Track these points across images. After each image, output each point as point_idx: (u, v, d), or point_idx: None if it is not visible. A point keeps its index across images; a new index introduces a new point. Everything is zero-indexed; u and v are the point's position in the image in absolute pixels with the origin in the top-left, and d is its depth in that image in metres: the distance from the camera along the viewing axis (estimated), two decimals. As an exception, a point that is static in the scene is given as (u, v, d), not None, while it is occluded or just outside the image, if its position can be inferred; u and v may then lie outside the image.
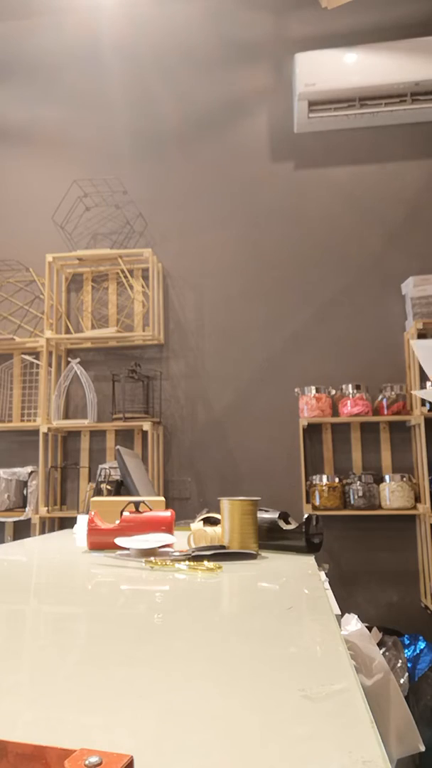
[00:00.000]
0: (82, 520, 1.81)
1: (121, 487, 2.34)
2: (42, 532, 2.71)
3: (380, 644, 2.10)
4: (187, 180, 3.01)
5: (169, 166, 3.03)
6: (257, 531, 1.26)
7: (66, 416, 2.91)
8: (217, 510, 2.70)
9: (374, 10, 2.93)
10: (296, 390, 2.72)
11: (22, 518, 2.72)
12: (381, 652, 1.30)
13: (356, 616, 1.31)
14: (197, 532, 1.33)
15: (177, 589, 0.87)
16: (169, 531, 1.30)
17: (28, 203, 3.11)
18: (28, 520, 2.76)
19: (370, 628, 2.01)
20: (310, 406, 2.58)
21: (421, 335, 2.62)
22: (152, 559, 1.13)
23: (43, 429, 2.73)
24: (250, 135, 3.00)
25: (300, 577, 0.95)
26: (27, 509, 2.72)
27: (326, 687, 0.44)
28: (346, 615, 1.28)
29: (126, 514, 1.33)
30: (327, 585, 1.01)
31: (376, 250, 2.81)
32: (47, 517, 2.75)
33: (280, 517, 1.33)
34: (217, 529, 1.34)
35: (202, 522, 1.43)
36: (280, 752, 0.37)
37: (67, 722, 0.42)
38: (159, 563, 1.07)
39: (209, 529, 1.33)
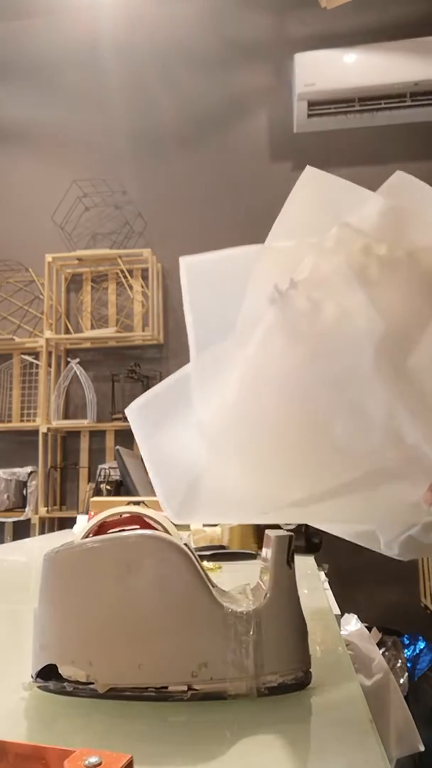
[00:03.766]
0: (82, 521, 1.81)
1: (120, 487, 2.34)
2: (42, 532, 2.70)
3: (380, 644, 2.10)
4: (186, 180, 3.00)
5: (168, 166, 3.03)
6: (257, 531, 1.26)
7: (65, 416, 2.91)
8: (217, 510, 2.70)
9: (374, 10, 2.92)
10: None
11: (21, 518, 2.72)
12: (381, 652, 1.30)
13: (356, 616, 1.31)
14: (197, 532, 1.33)
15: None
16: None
17: (27, 203, 3.10)
18: (28, 521, 2.76)
19: (369, 628, 2.01)
20: (309, 406, 2.57)
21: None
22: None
23: (43, 429, 2.73)
24: (250, 135, 3.00)
25: (300, 576, 0.94)
26: (26, 509, 2.72)
27: (326, 687, 0.44)
28: (346, 615, 1.28)
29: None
30: (327, 585, 1.01)
31: (375, 250, 2.81)
32: (47, 517, 2.75)
33: (279, 517, 1.33)
34: (217, 529, 1.34)
35: (202, 522, 1.43)
36: (280, 752, 0.37)
37: (67, 722, 0.42)
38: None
39: (209, 529, 1.33)
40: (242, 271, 0.61)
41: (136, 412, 0.63)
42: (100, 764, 0.26)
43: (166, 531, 0.47)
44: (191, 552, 0.44)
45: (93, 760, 0.26)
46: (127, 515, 0.50)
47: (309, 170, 0.66)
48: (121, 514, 0.49)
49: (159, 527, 0.48)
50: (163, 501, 0.59)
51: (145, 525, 0.48)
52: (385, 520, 0.54)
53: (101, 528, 0.49)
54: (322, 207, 0.65)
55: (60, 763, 0.27)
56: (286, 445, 0.53)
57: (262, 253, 0.61)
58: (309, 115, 2.81)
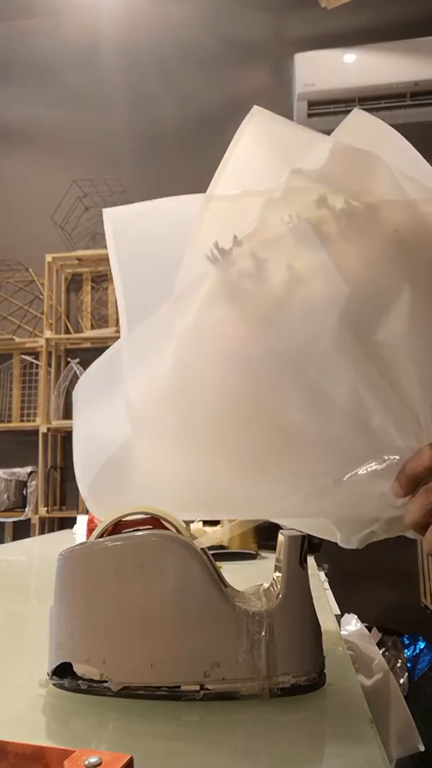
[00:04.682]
0: (82, 521, 1.81)
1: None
2: (42, 532, 2.70)
3: (380, 644, 2.10)
4: (186, 180, 2.99)
5: (168, 166, 3.03)
6: (257, 531, 1.26)
7: (66, 416, 2.91)
8: (217, 510, 2.69)
9: (374, 10, 2.92)
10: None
11: (21, 518, 2.72)
12: (381, 652, 1.30)
13: (356, 616, 1.31)
14: (197, 533, 1.33)
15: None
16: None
17: (27, 203, 3.10)
18: (28, 521, 2.76)
19: (369, 628, 2.01)
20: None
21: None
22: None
23: (43, 429, 2.73)
24: (250, 135, 3.00)
25: (300, 577, 0.94)
26: (26, 509, 2.72)
27: (326, 687, 0.44)
28: (346, 615, 1.28)
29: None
30: (327, 585, 1.01)
31: (375, 250, 2.81)
32: (47, 517, 2.75)
33: (279, 517, 1.32)
34: (217, 529, 1.34)
35: (202, 522, 1.43)
36: (279, 752, 0.37)
37: (66, 722, 0.42)
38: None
39: (209, 529, 1.33)
40: (180, 225, 0.52)
41: (76, 396, 0.57)
42: (100, 764, 0.26)
43: (179, 531, 0.48)
44: (204, 552, 0.44)
45: (93, 760, 0.26)
46: (142, 516, 0.50)
47: (256, 110, 0.56)
48: (135, 514, 0.49)
49: (172, 528, 0.48)
50: (79, 480, 0.54)
51: (159, 525, 0.49)
52: (346, 514, 0.48)
53: (116, 528, 0.49)
54: (271, 153, 0.56)
55: (60, 763, 0.27)
56: (231, 430, 0.47)
57: (202, 204, 0.52)
58: (309, 115, 2.81)
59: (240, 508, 0.50)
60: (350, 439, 0.43)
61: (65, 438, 2.93)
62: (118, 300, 0.55)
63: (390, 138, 0.56)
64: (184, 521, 0.51)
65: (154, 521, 0.49)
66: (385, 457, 0.43)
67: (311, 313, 0.44)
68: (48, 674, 0.45)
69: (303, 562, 0.45)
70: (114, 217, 0.56)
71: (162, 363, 0.48)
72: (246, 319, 0.46)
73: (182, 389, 0.48)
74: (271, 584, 0.49)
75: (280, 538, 0.46)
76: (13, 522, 2.82)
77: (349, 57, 2.74)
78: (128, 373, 0.51)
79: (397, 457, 0.42)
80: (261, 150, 0.55)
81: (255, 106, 0.54)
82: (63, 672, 0.44)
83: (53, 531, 2.68)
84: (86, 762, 0.26)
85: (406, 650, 2.19)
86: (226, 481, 0.48)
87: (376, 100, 2.74)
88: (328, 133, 0.55)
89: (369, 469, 0.43)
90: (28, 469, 2.76)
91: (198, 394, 0.47)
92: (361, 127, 0.55)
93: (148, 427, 0.49)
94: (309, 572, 0.45)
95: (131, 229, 0.56)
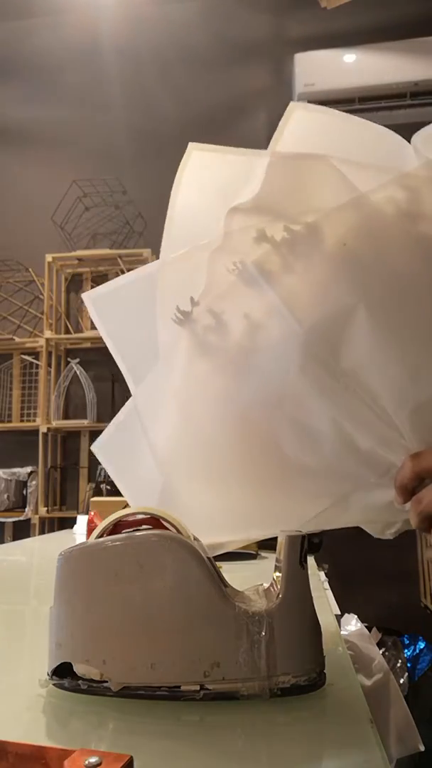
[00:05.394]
0: (82, 521, 1.81)
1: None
2: (42, 532, 2.70)
3: (380, 644, 2.10)
4: (186, 180, 3.00)
5: (168, 166, 3.01)
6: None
7: (65, 416, 2.91)
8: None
9: (374, 10, 2.92)
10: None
11: (21, 518, 2.72)
12: (381, 652, 1.30)
13: (356, 616, 1.31)
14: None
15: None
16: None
17: (27, 203, 3.10)
18: (28, 521, 2.76)
19: (369, 628, 2.00)
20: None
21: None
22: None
23: (43, 429, 2.73)
24: (250, 135, 3.00)
25: (300, 577, 0.94)
26: (26, 509, 2.72)
27: (326, 687, 0.44)
28: (346, 615, 1.28)
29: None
30: (327, 585, 1.01)
31: (375, 250, 2.81)
32: (47, 517, 2.75)
33: (279, 517, 1.32)
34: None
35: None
36: (280, 752, 0.37)
37: (66, 722, 0.42)
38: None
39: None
40: (153, 290, 0.55)
41: (102, 450, 0.62)
42: (100, 764, 0.26)
43: (179, 531, 0.48)
44: (204, 552, 0.45)
45: (93, 760, 0.26)
46: (142, 516, 0.50)
47: (191, 148, 0.56)
48: (135, 514, 0.50)
49: (172, 528, 0.48)
50: None
51: (159, 525, 0.49)
52: (365, 521, 0.51)
53: (115, 528, 0.49)
54: (213, 191, 0.56)
55: (60, 763, 0.27)
56: (239, 464, 0.51)
57: (159, 269, 0.54)
58: (309, 115, 2.81)
59: (271, 525, 0.53)
60: (345, 464, 0.46)
61: (65, 438, 2.93)
62: (118, 363, 0.59)
63: (337, 124, 0.53)
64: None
65: (154, 521, 0.49)
66: (381, 473, 0.45)
67: (275, 356, 0.46)
68: (48, 674, 0.45)
69: (303, 562, 0.45)
70: (92, 298, 0.60)
71: (170, 418, 0.53)
72: (222, 371, 0.49)
73: (190, 436, 0.53)
74: (271, 584, 0.49)
75: (280, 538, 0.46)
76: (13, 522, 2.82)
77: (349, 57, 2.74)
78: (146, 426, 0.56)
79: (392, 471, 0.44)
80: (203, 190, 0.57)
81: (190, 143, 0.56)
82: (63, 672, 0.44)
83: (53, 531, 2.68)
84: (86, 762, 0.26)
85: (406, 650, 2.19)
86: (251, 504, 0.52)
87: (376, 100, 2.74)
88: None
89: (373, 485, 0.45)
90: (28, 469, 2.76)
91: (204, 439, 0.52)
92: (303, 123, 0.53)
93: (172, 470, 0.54)
94: (309, 572, 0.45)
95: (111, 305, 0.60)
